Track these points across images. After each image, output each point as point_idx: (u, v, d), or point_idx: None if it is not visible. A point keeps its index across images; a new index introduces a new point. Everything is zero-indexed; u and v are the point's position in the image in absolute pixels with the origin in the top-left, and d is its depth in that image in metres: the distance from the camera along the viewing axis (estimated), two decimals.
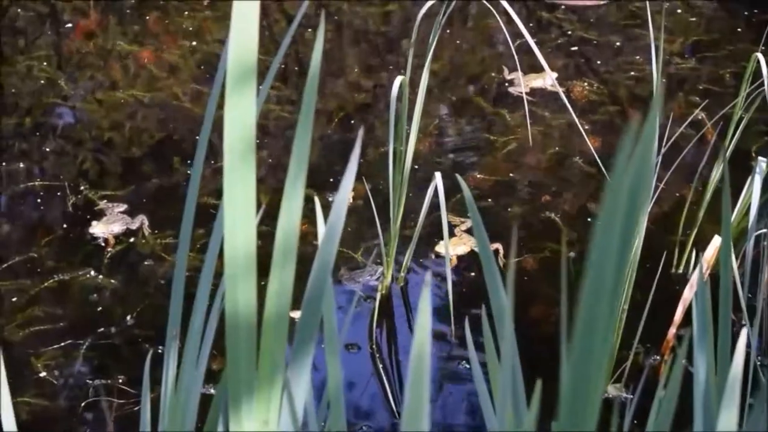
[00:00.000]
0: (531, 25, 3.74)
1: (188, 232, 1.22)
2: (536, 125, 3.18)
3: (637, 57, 3.57)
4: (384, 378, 2.37)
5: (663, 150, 2.15)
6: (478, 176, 2.97)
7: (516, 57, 2.47)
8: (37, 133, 3.13)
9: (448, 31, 3.61)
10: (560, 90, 2.40)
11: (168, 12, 3.76)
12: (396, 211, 2.37)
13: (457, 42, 3.61)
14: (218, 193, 2.75)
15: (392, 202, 2.37)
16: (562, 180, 2.99)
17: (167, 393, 1.25)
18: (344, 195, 1.04)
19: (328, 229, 1.05)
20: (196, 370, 1.21)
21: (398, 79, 2.12)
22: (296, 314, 1.01)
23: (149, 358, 1.34)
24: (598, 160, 2.44)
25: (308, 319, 1.07)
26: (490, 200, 2.87)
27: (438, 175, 2.26)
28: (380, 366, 2.39)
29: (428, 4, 2.12)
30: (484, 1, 2.20)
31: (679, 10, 3.85)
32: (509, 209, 2.86)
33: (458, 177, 1.38)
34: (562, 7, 3.83)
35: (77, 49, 3.56)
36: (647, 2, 2.58)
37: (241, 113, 0.95)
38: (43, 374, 2.32)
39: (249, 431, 1.02)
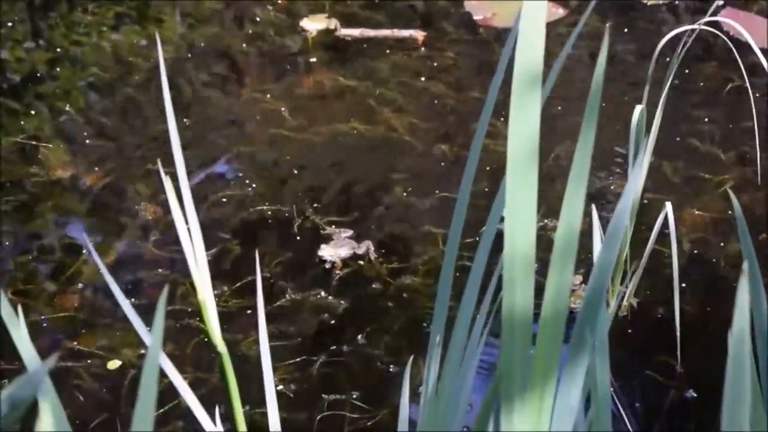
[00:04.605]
0: None
1: (456, 237, 1.26)
2: (752, 165, 3.15)
3: None
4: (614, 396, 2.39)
5: None
6: (696, 212, 2.96)
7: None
8: (264, 162, 3.25)
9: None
10: None
11: (384, 49, 3.84)
12: (623, 240, 2.37)
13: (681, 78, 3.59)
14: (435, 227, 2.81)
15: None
16: None
17: (427, 396, 1.28)
18: (627, 203, 1.07)
19: (610, 234, 1.08)
20: (462, 371, 1.25)
21: (638, 108, 2.13)
22: None
23: (410, 364, 1.39)
24: None
25: (587, 318, 1.09)
26: (705, 235, 2.87)
27: (669, 204, 2.26)
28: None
29: (663, 41, 2.13)
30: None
31: None
32: (723, 245, 2.85)
33: (730, 192, 1.39)
34: None
35: (298, 83, 3.68)
36: None
37: (525, 120, 0.98)
38: (279, 387, 2.40)
39: (520, 431, 1.04)
